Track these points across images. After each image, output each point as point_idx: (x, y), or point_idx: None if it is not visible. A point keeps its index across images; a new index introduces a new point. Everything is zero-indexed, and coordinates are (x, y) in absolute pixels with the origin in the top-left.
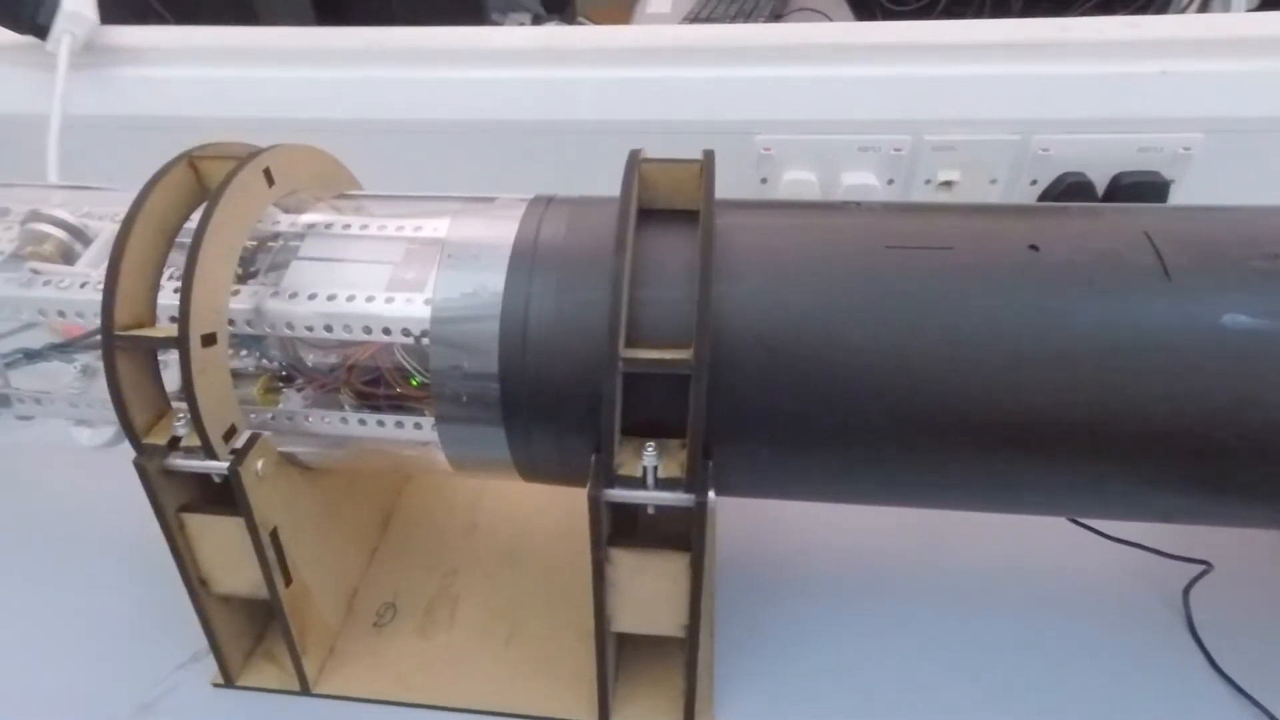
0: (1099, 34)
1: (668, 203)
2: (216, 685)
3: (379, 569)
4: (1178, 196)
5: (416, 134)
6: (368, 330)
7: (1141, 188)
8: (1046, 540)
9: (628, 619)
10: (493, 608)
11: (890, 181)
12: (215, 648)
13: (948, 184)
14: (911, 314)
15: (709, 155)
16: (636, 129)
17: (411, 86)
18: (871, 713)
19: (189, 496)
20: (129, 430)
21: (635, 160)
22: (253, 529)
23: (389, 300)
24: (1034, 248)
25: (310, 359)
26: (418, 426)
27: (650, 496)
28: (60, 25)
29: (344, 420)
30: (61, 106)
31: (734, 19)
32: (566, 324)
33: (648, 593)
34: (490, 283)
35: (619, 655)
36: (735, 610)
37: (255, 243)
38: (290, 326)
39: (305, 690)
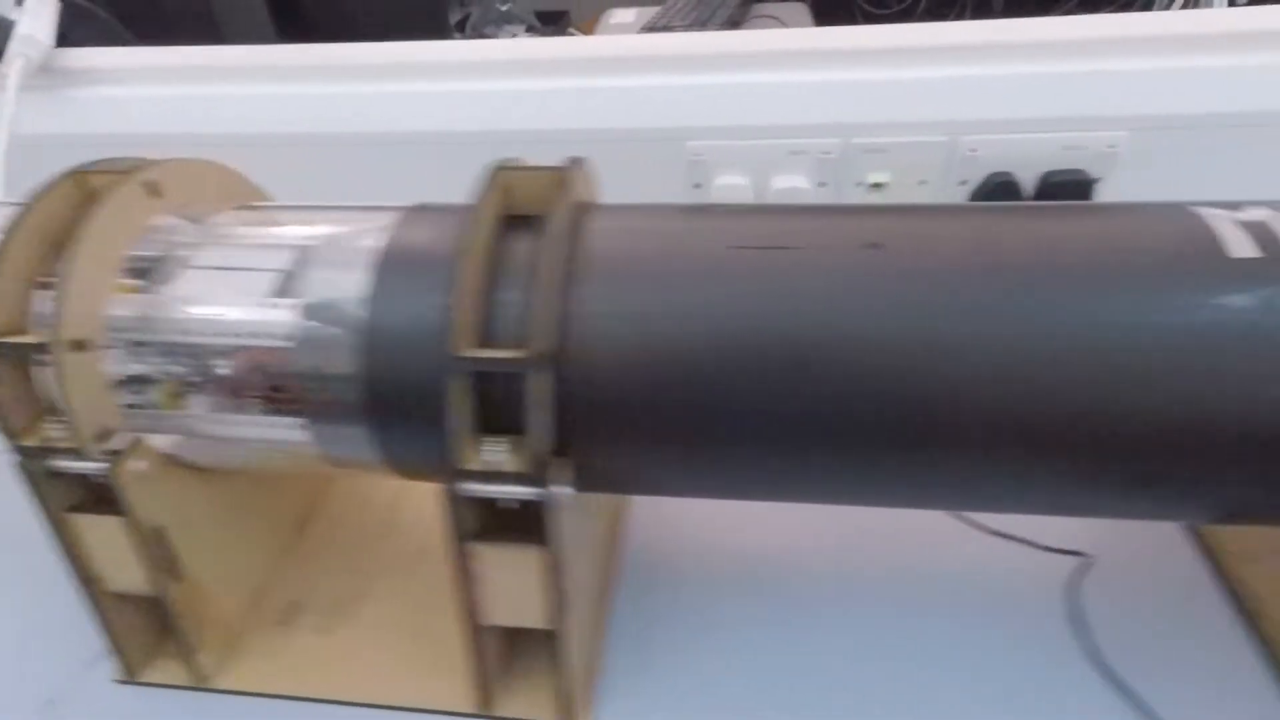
0: (1029, 35)
1: (534, 209)
2: (118, 681)
3: (290, 568)
4: (1104, 194)
5: (373, 146)
6: (239, 336)
7: (1069, 186)
8: (933, 536)
9: (496, 611)
10: (400, 606)
11: (822, 184)
12: (114, 644)
13: (878, 186)
14: (752, 311)
15: (575, 161)
16: (568, 138)
17: (368, 100)
18: (756, 713)
19: (77, 497)
20: (6, 432)
21: (494, 169)
22: (134, 528)
23: (260, 306)
24: (875, 245)
25: (209, 364)
26: (289, 428)
27: (498, 491)
28: (14, 49)
29: (223, 422)
30: (10, 127)
31: (689, 28)
32: (421, 326)
33: (512, 586)
34: (354, 287)
35: (513, 648)
36: (637, 607)
37: (144, 253)
38: (172, 333)
39: (203, 685)
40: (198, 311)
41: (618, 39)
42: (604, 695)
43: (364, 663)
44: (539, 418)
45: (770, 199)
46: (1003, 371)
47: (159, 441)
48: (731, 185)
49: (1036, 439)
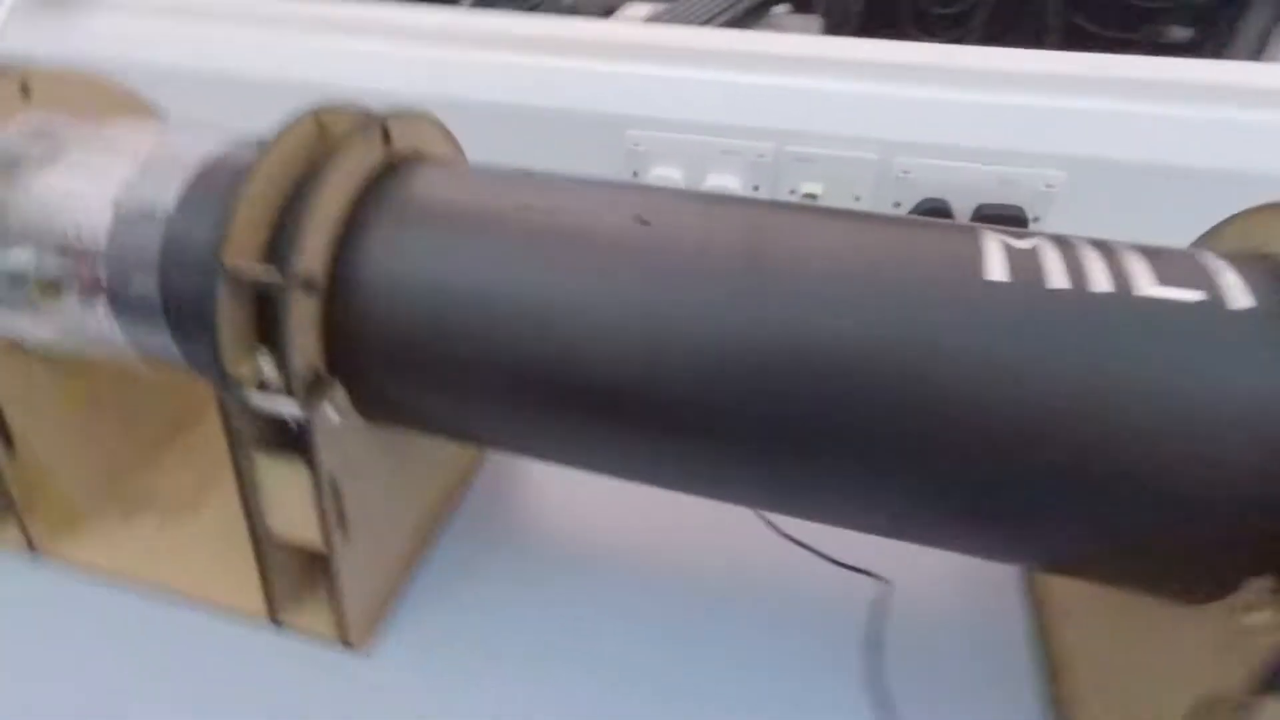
0: (975, 62)
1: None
2: None
3: (155, 464)
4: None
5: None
6: (70, 234)
7: (1002, 221)
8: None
9: (275, 524)
10: (239, 512)
11: (756, 187)
12: None
13: (811, 196)
14: (517, 266)
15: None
16: (510, 111)
17: (333, 56)
18: (526, 672)
19: None
20: None
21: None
22: None
23: (89, 210)
24: (643, 221)
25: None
26: (105, 323)
27: (263, 402)
28: None
29: (51, 313)
30: None
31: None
32: (205, 238)
33: (286, 500)
34: (168, 197)
35: (314, 565)
36: (459, 554)
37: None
38: (20, 223)
39: (31, 548)
40: (39, 207)
41: (573, 22)
42: (394, 626)
43: (185, 557)
44: (294, 337)
45: None
46: (744, 362)
47: (9, 325)
48: (665, 177)
49: (775, 431)
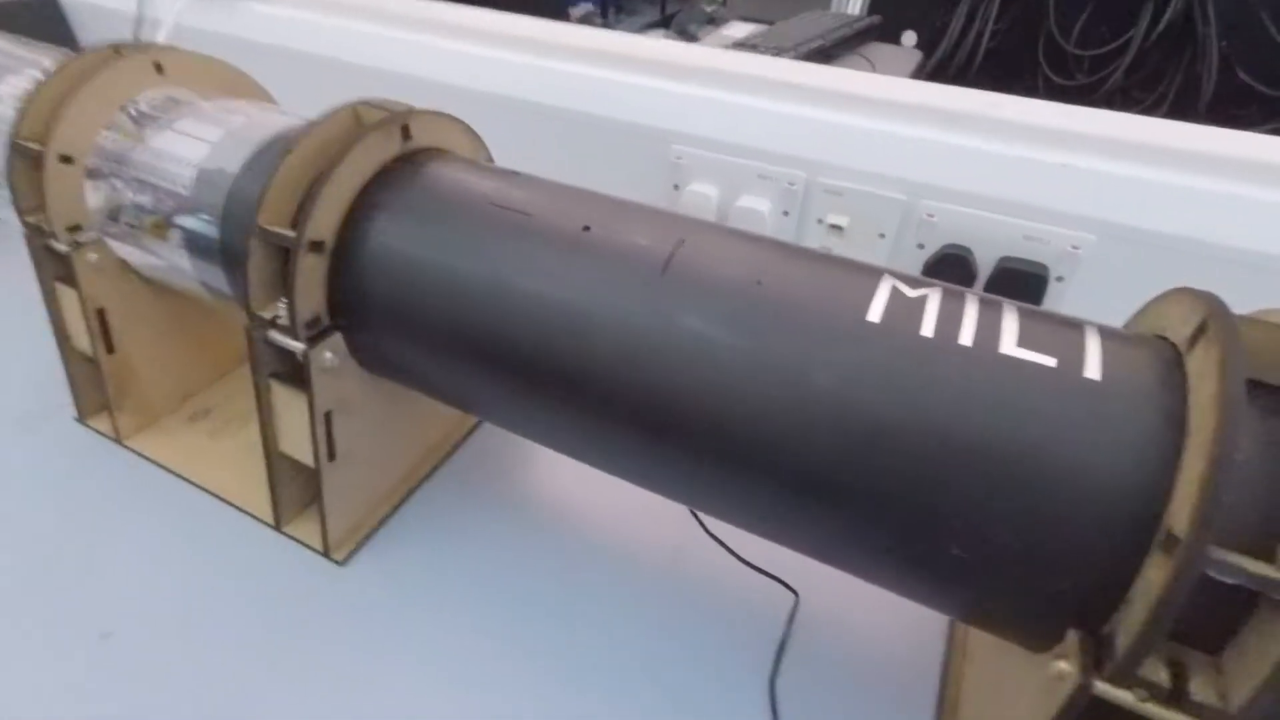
0: (1014, 114)
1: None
2: (76, 420)
3: (224, 383)
4: (1064, 296)
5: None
6: (167, 181)
7: (1023, 278)
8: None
9: (287, 444)
10: None
11: (786, 213)
12: (75, 395)
13: (837, 228)
14: (480, 254)
15: (426, 111)
16: (573, 118)
17: (386, 43)
18: (474, 608)
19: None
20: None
21: (355, 101)
22: (84, 301)
23: (181, 164)
24: (586, 229)
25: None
26: (181, 258)
27: (277, 339)
28: None
29: (144, 245)
30: (176, 19)
31: (771, 52)
32: (251, 199)
33: (290, 423)
34: (235, 162)
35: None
36: (445, 496)
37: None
38: (142, 171)
39: (117, 439)
40: (156, 160)
41: (634, 39)
42: (372, 548)
43: (226, 464)
44: (301, 288)
45: (733, 217)
46: (648, 361)
47: (120, 250)
48: (701, 193)
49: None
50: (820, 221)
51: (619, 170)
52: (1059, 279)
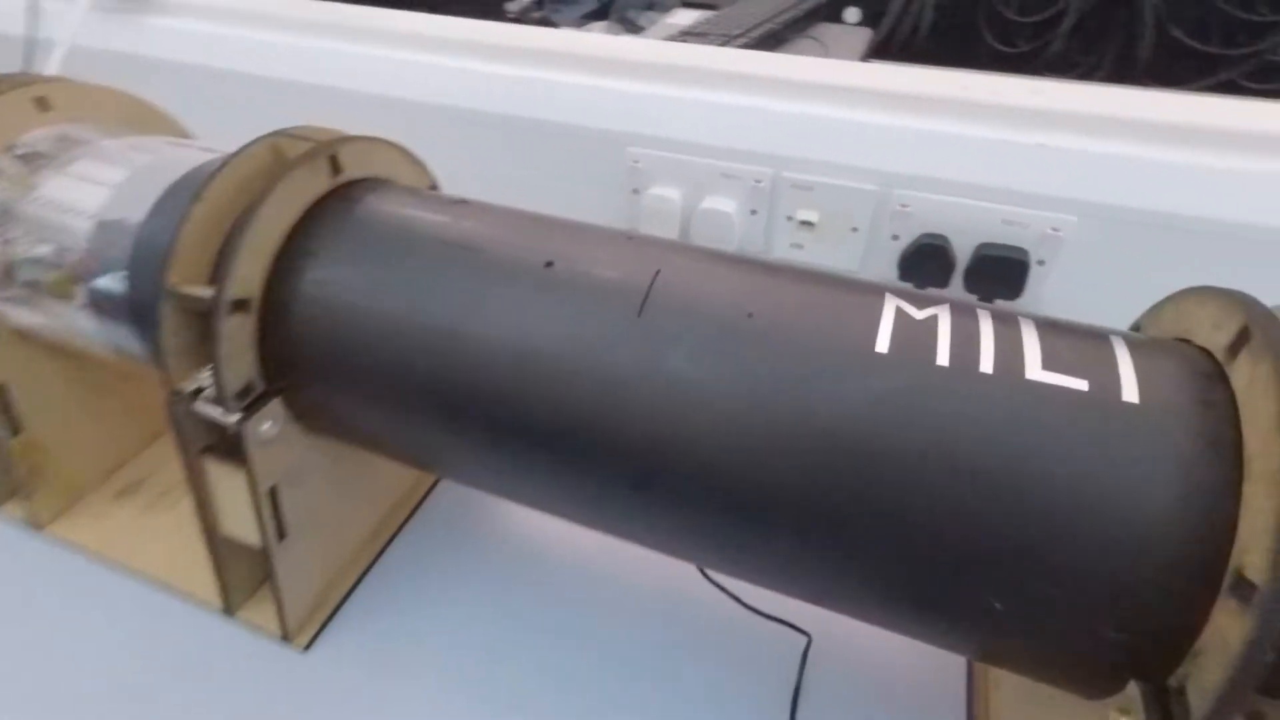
0: (985, 94)
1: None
2: None
3: (153, 452)
4: (1044, 281)
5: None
6: (69, 238)
7: (1003, 264)
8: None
9: (230, 525)
10: None
11: (754, 212)
12: None
13: (808, 224)
14: (438, 298)
15: (353, 139)
16: (518, 124)
17: (337, 57)
18: (457, 682)
19: None
20: None
21: (272, 133)
22: None
23: (80, 215)
24: (549, 264)
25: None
26: (83, 318)
27: (206, 411)
28: None
29: (40, 307)
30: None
31: (721, 40)
32: (159, 253)
33: (231, 502)
34: (140, 209)
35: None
36: (411, 563)
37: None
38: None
39: (34, 527)
40: (47, 210)
41: (581, 36)
42: (337, 625)
43: (164, 543)
44: (226, 353)
45: (697, 219)
46: (625, 407)
47: (17, 316)
48: (663, 197)
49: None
50: (790, 218)
51: (573, 178)
52: (1040, 263)
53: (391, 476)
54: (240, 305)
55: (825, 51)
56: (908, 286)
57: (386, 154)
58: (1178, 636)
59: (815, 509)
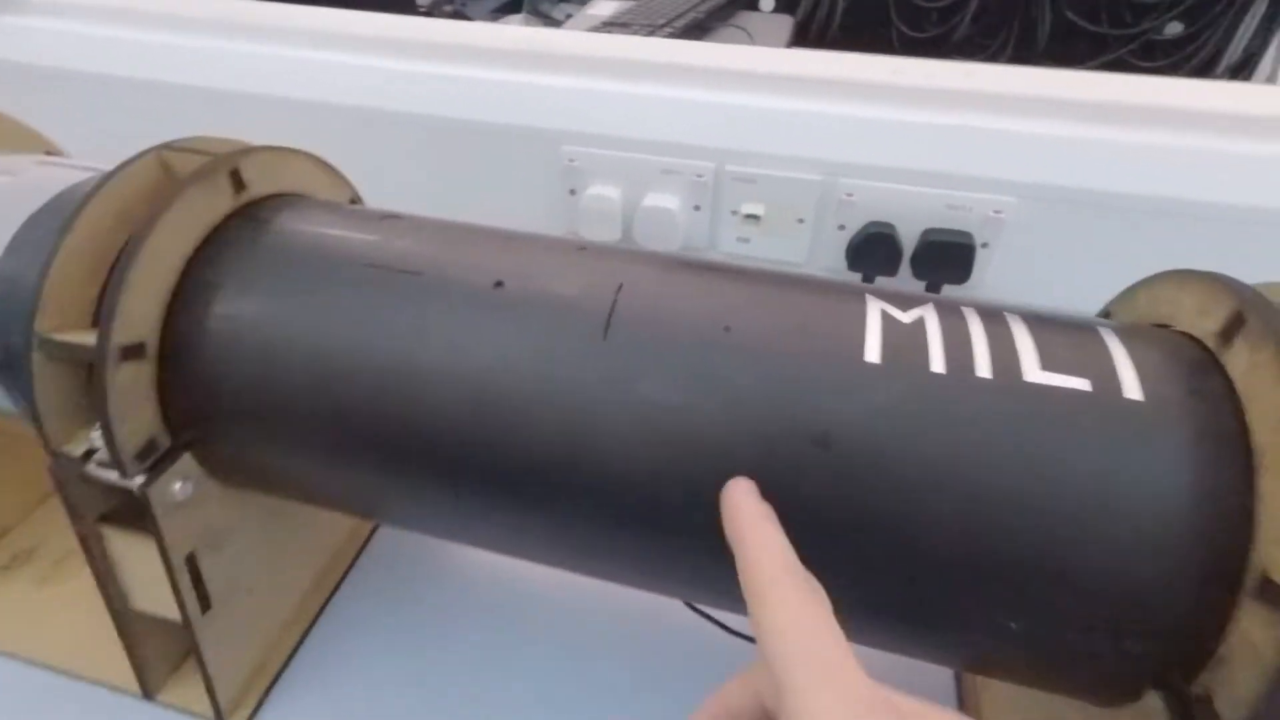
0: (923, 78)
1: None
2: None
3: (40, 519)
4: (990, 262)
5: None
6: None
7: (949, 249)
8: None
9: (142, 599)
10: None
11: (697, 208)
12: None
13: (753, 217)
14: (357, 331)
15: (257, 150)
16: (440, 125)
17: (245, 59)
18: None
19: None
20: None
21: (157, 147)
22: None
23: None
24: (498, 284)
25: None
26: None
27: (101, 475)
28: None
29: None
30: None
31: (644, 30)
32: (26, 296)
33: (143, 574)
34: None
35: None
36: (359, 610)
37: None
38: None
39: None
40: None
41: (505, 30)
42: (278, 695)
43: (65, 618)
44: (118, 408)
45: (639, 217)
46: (614, 451)
47: None
48: (602, 196)
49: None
50: (735, 213)
51: (506, 182)
52: (984, 245)
53: (329, 524)
54: (133, 351)
55: (751, 40)
56: (885, 285)
57: (298, 165)
58: (1199, 642)
59: (813, 537)
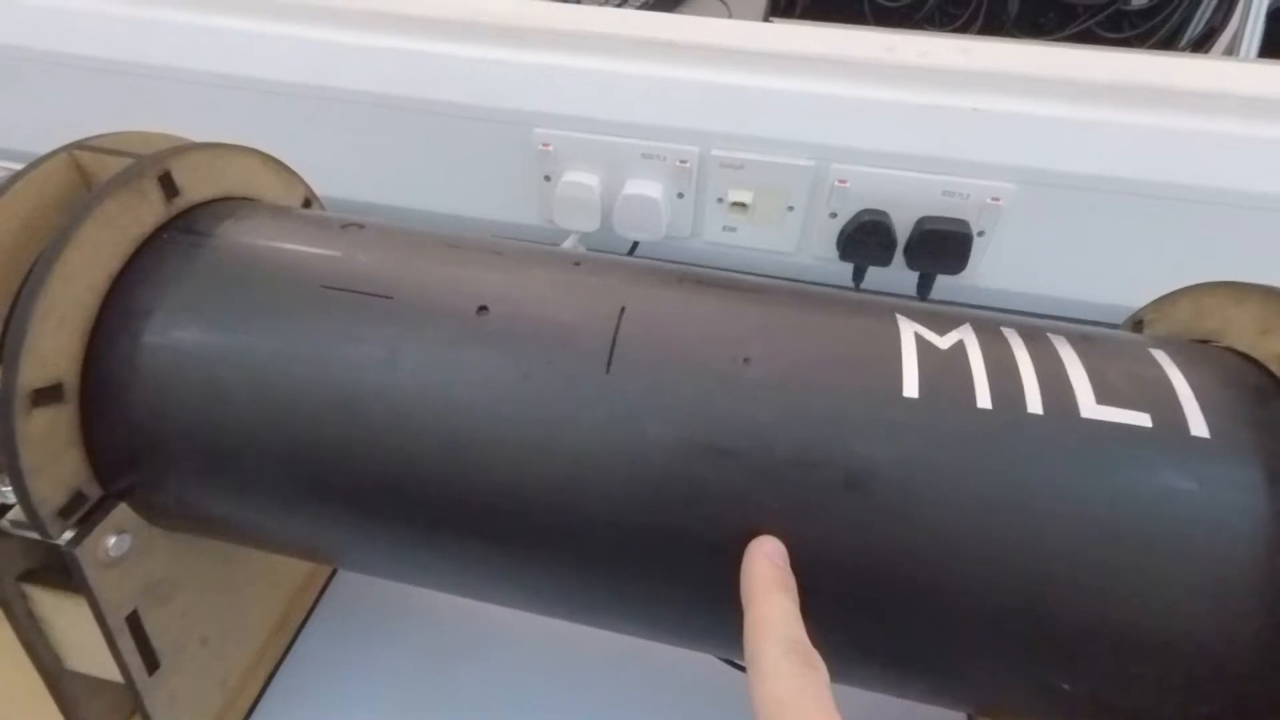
0: (920, 57)
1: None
2: None
3: None
4: (986, 251)
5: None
6: None
7: (946, 238)
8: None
9: (78, 659)
10: None
11: (680, 195)
12: None
13: (741, 205)
14: (335, 365)
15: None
16: (398, 105)
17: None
18: None
19: None
20: None
21: (67, 147)
22: None
23: None
24: (482, 309)
25: None
26: None
27: (17, 529)
28: None
29: None
30: None
31: (616, 2)
32: None
33: (81, 634)
34: None
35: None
36: (325, 650)
37: None
38: None
39: None
40: None
41: (467, 3)
42: None
43: None
44: (35, 461)
45: (620, 206)
46: (620, 496)
47: None
48: (578, 183)
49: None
50: (721, 200)
51: (474, 168)
52: (980, 234)
53: (290, 562)
54: (48, 394)
55: (728, 10)
56: (914, 302)
57: (240, 164)
58: (1274, 702)
59: (842, 585)
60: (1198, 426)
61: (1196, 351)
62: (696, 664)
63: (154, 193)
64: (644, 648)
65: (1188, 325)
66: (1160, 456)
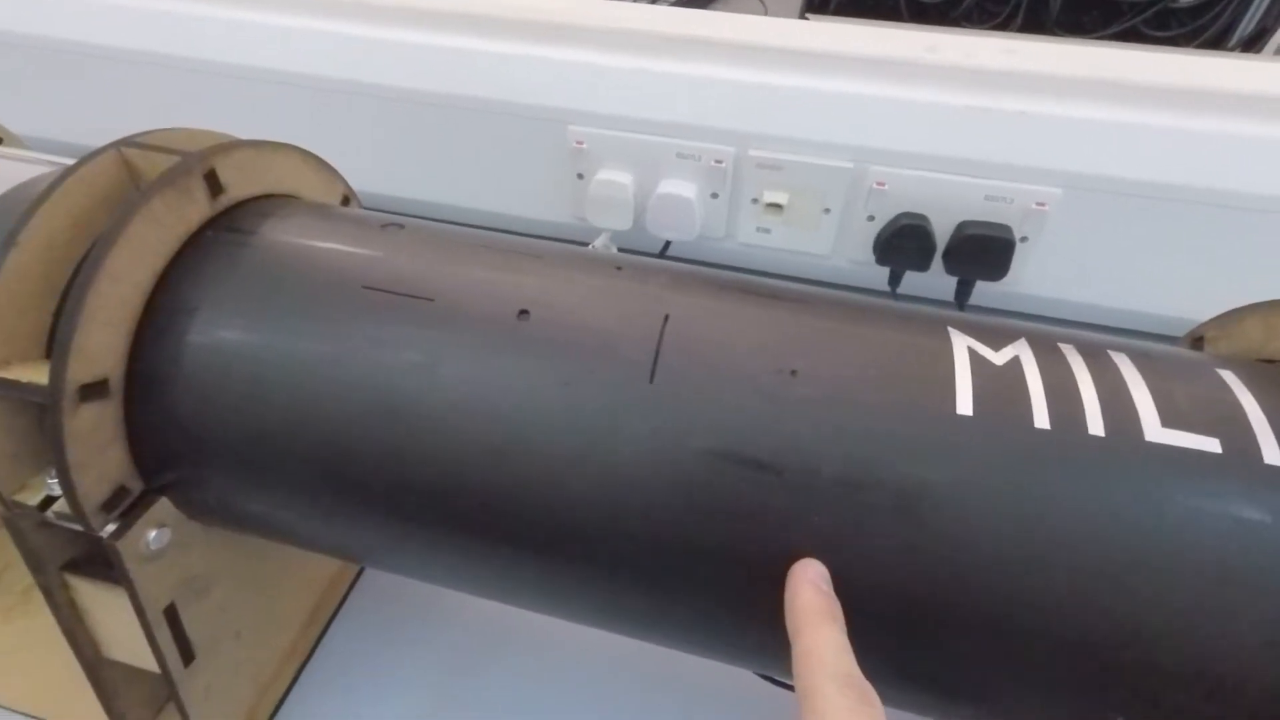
0: (964, 58)
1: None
2: None
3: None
4: (1030, 257)
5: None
6: None
7: (987, 243)
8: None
9: (117, 649)
10: None
11: (714, 195)
12: None
13: (775, 206)
14: (376, 367)
15: (233, 145)
16: (439, 101)
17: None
18: None
19: None
20: None
21: (115, 144)
22: None
23: None
24: (523, 313)
25: None
26: None
27: (61, 521)
28: None
29: None
30: None
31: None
32: None
33: (119, 625)
34: None
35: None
36: (355, 645)
37: None
38: None
39: None
40: None
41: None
42: None
43: (27, 658)
44: (81, 458)
45: (653, 205)
46: (640, 497)
47: None
48: (612, 182)
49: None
50: (755, 201)
51: (507, 165)
52: (1024, 240)
53: (320, 560)
54: (94, 390)
55: (764, 7)
56: (966, 314)
57: (283, 162)
58: None
59: (891, 615)
60: (1271, 454)
61: (1268, 373)
62: (733, 672)
63: (199, 191)
64: (678, 653)
65: (1256, 345)
66: (1231, 485)
